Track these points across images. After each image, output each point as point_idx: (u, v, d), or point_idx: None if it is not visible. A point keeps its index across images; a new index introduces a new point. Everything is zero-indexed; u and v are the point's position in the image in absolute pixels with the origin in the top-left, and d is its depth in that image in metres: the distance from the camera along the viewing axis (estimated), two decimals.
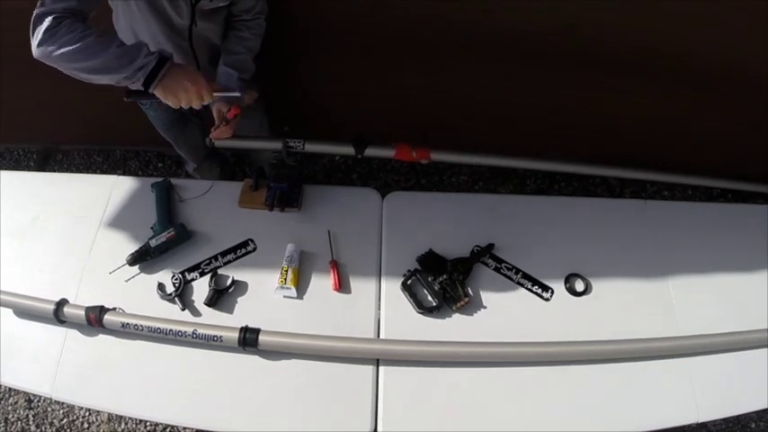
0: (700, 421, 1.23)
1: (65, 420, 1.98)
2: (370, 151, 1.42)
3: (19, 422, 1.99)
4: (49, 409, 2.01)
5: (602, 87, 1.75)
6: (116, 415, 1.97)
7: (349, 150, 1.42)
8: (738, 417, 2.01)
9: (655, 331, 1.30)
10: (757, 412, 1.98)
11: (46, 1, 1.04)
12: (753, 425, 2.00)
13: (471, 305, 1.31)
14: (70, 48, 1.03)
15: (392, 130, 1.78)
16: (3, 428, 1.98)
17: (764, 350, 1.30)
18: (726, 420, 2.00)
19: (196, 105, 1.21)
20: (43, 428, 1.97)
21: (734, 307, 1.36)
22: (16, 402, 2.03)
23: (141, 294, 1.34)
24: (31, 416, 2.00)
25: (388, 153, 1.44)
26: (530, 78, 1.75)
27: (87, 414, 1.98)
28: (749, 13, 1.39)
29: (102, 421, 1.97)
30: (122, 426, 1.95)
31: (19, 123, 2.26)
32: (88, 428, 1.96)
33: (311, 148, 1.42)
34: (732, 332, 1.30)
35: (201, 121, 1.74)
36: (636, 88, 1.74)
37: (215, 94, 1.24)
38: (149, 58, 1.11)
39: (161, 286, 1.34)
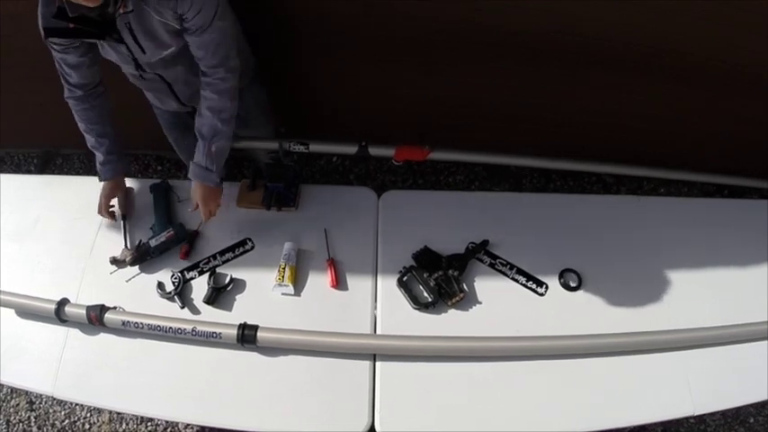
0: (696, 414, 1.24)
1: (66, 422, 1.99)
2: (373, 150, 1.44)
3: (21, 424, 2.00)
4: (50, 410, 2.02)
5: (601, 86, 1.75)
6: (117, 416, 1.98)
7: (351, 150, 1.44)
8: (738, 412, 2.01)
9: (649, 325, 1.31)
10: (756, 407, 1.99)
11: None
12: (752, 419, 2.00)
13: (467, 301, 1.33)
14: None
15: (391, 129, 1.79)
16: (5, 430, 1.99)
17: (760, 343, 1.31)
18: (724, 415, 2.00)
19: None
20: (45, 430, 1.98)
21: (730, 301, 1.38)
22: (18, 404, 2.04)
23: (141, 294, 1.36)
24: (32, 417, 2.01)
25: (388, 152, 1.46)
26: (528, 77, 1.76)
27: (89, 415, 1.99)
28: (747, 11, 1.40)
29: (104, 422, 1.97)
30: (123, 426, 1.96)
31: (19, 128, 2.27)
32: (89, 429, 1.97)
33: (315, 148, 1.44)
34: (727, 325, 1.31)
35: None
36: (634, 86, 1.74)
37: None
38: (102, 169, 1.45)
39: (161, 285, 1.36)
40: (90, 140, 1.42)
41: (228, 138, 1.34)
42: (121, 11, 1.11)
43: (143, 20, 1.15)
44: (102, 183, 1.46)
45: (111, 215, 1.48)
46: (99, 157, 1.43)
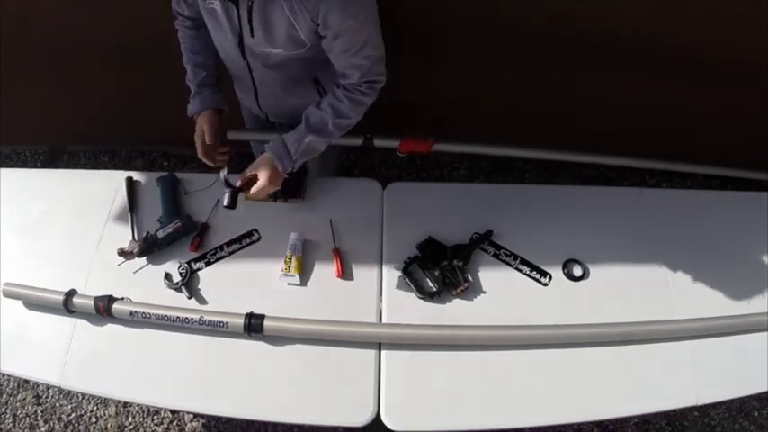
0: (699, 404, 1.24)
1: (73, 415, 2.00)
2: (378, 142, 1.45)
3: (27, 418, 2.02)
4: (57, 404, 2.03)
5: (605, 79, 1.76)
6: (124, 409, 1.99)
7: (356, 141, 1.45)
8: (741, 405, 2.02)
9: (652, 316, 1.31)
10: (759, 400, 2.00)
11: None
12: (756, 413, 2.01)
13: (471, 290, 1.34)
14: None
15: (395, 125, 1.80)
16: (11, 424, 2.01)
17: (763, 334, 1.31)
18: (728, 408, 2.00)
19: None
20: (51, 424, 2.00)
21: (732, 291, 1.38)
22: (25, 398, 2.05)
23: (149, 285, 1.37)
24: (39, 411, 2.02)
25: (392, 144, 1.46)
26: (529, 72, 1.77)
27: (95, 408, 2.01)
28: (753, 5, 1.40)
29: (110, 415, 1.99)
30: (130, 420, 1.97)
31: (25, 125, 2.29)
32: (96, 423, 1.98)
33: None
34: (730, 315, 1.32)
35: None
36: (637, 81, 1.75)
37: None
38: (190, 104, 1.37)
39: (168, 276, 1.37)
40: (188, 74, 1.36)
41: (327, 143, 1.25)
42: None
43: (268, 8, 1.07)
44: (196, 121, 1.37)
45: (210, 157, 1.38)
46: (192, 90, 1.36)
